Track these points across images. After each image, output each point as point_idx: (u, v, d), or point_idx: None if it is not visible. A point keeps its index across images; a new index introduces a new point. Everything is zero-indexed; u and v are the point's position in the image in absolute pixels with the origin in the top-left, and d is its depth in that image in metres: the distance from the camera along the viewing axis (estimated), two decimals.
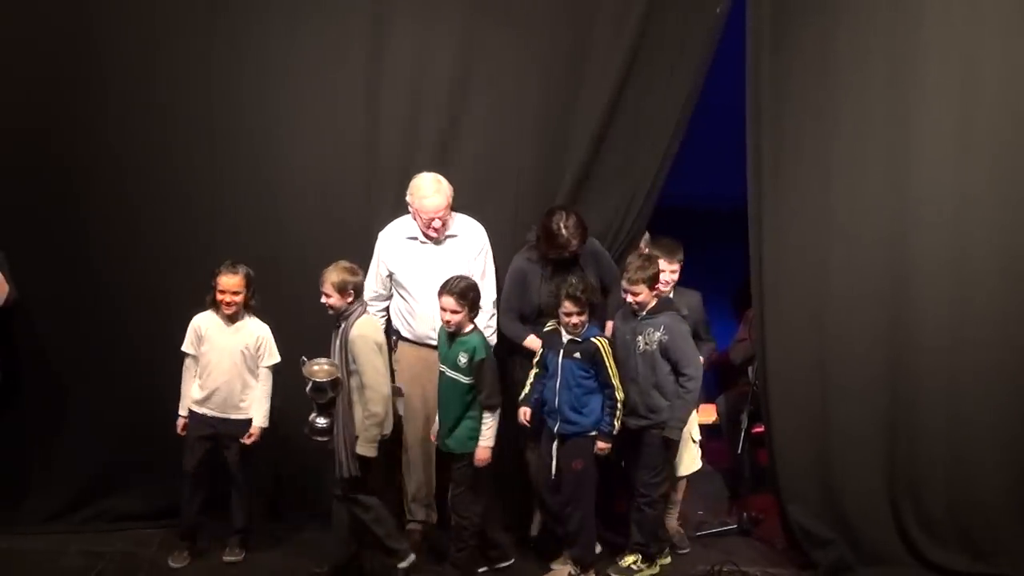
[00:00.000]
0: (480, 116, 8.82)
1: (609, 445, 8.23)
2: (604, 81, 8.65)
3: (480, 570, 8.48)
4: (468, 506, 8.27)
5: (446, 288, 8.08)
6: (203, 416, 8.47)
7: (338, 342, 8.22)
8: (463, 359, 8.13)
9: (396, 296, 8.57)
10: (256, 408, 8.49)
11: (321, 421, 8.32)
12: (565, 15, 8.69)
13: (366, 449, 8.21)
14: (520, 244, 8.65)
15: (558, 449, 8.30)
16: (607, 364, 8.17)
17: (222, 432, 8.48)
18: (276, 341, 8.50)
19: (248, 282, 8.41)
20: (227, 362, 8.45)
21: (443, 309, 8.12)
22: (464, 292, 8.09)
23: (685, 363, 8.19)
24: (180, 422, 8.51)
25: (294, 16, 8.75)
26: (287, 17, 8.76)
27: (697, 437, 8.66)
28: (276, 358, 8.51)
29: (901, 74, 8.40)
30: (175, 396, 8.58)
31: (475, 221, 8.61)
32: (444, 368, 8.25)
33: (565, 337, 8.25)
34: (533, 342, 8.42)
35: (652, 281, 8.19)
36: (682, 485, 8.74)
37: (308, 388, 8.26)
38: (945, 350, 8.45)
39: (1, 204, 8.86)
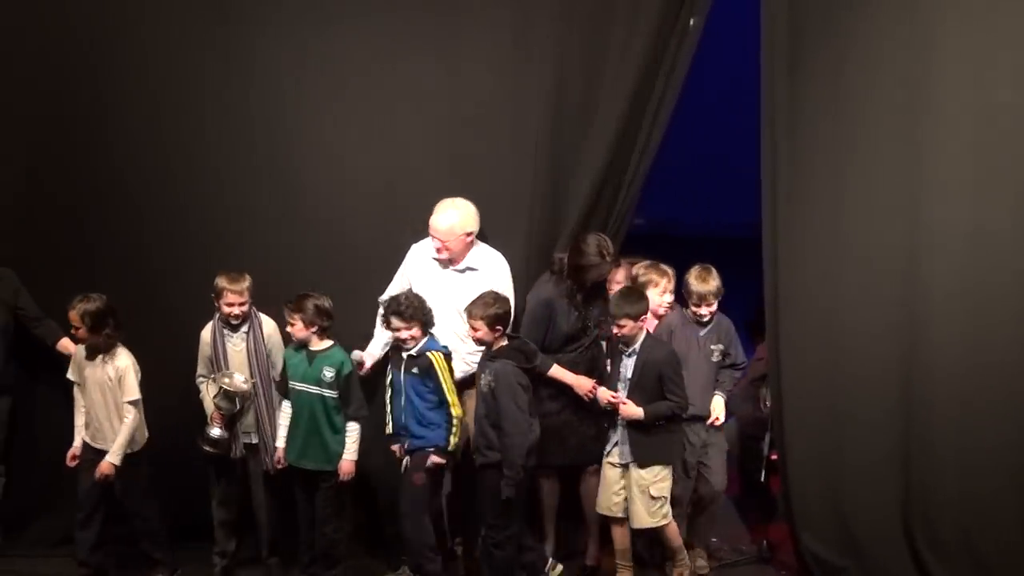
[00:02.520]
0: (483, 141, 8.96)
1: (443, 461, 8.32)
2: (608, 103, 8.80)
3: None
4: (334, 521, 8.49)
5: (289, 301, 8.33)
6: (88, 445, 8.54)
7: (241, 346, 8.50)
8: (328, 374, 8.33)
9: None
10: (114, 443, 8.48)
11: (217, 432, 8.52)
12: (574, 46, 8.86)
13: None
14: (533, 267, 8.78)
15: (406, 464, 8.41)
16: (441, 379, 8.28)
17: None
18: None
19: (102, 313, 8.42)
20: (96, 393, 8.51)
21: (289, 323, 8.38)
22: (306, 306, 8.30)
23: (502, 417, 8.25)
24: (70, 451, 8.57)
25: (314, 28, 8.94)
26: (308, 29, 8.95)
27: (657, 494, 8.43)
28: (133, 395, 8.47)
29: (915, 99, 8.47)
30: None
31: (499, 256, 8.72)
32: (303, 386, 8.43)
33: (404, 354, 8.39)
34: (558, 371, 8.47)
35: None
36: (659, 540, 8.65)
37: (216, 398, 8.47)
38: (959, 377, 8.49)
39: (18, 215, 9.08)
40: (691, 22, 8.69)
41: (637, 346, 8.36)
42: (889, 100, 8.51)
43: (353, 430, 8.35)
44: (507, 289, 8.67)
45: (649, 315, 8.54)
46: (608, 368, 8.57)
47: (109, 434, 8.46)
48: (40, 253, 9.12)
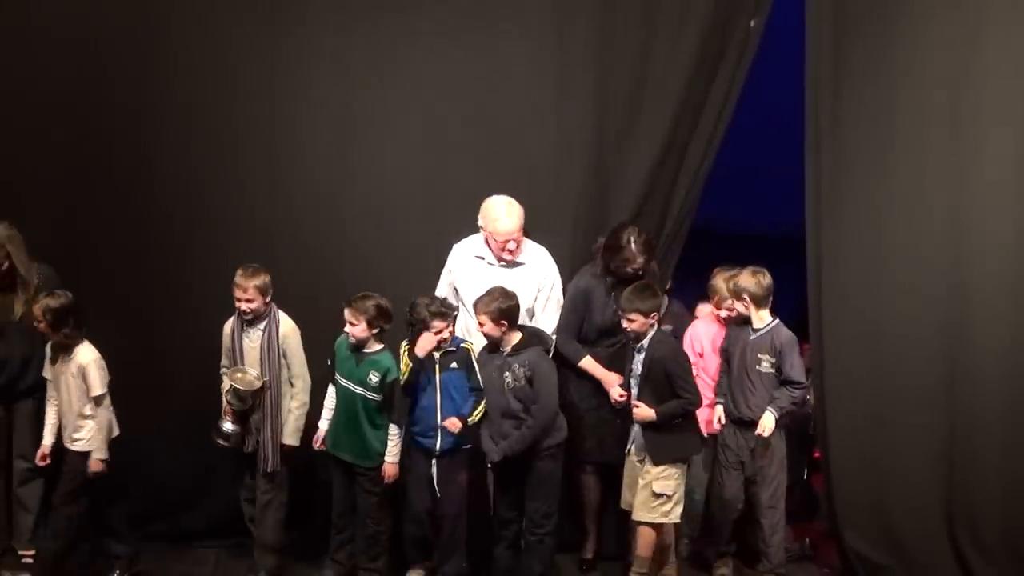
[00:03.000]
0: (535, 136, 9.02)
1: (459, 424, 8.31)
2: (660, 103, 8.86)
3: None
4: (376, 514, 8.52)
5: (349, 301, 8.31)
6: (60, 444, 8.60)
7: (257, 342, 8.48)
8: (374, 378, 8.36)
9: (461, 309, 8.68)
10: (92, 441, 8.48)
11: (229, 426, 8.58)
12: (623, 44, 8.91)
13: (293, 438, 8.55)
14: (578, 266, 8.81)
15: (438, 464, 8.41)
16: (477, 367, 8.42)
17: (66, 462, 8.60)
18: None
19: (63, 311, 8.42)
20: (63, 390, 8.53)
21: (348, 323, 8.35)
22: (363, 307, 8.29)
23: (539, 399, 8.31)
24: (40, 451, 8.60)
25: (354, 34, 9.00)
26: (343, 36, 9.01)
27: (659, 491, 8.35)
28: (97, 390, 8.47)
29: (959, 97, 8.52)
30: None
31: (545, 251, 8.77)
32: (347, 383, 8.46)
33: (436, 353, 8.37)
34: (589, 363, 8.54)
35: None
36: (646, 538, 8.48)
37: (228, 394, 8.51)
38: (1004, 376, 8.53)
39: (63, 208, 9.12)
40: (752, 23, 8.76)
41: (645, 342, 8.34)
42: (933, 100, 8.54)
43: (395, 434, 8.39)
44: (556, 281, 8.77)
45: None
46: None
47: (76, 431, 8.48)
48: (78, 252, 9.15)
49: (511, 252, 8.59)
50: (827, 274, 8.75)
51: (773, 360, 8.48)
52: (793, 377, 8.46)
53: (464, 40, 9.01)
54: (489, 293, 8.33)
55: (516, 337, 8.33)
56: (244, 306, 8.50)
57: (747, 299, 8.48)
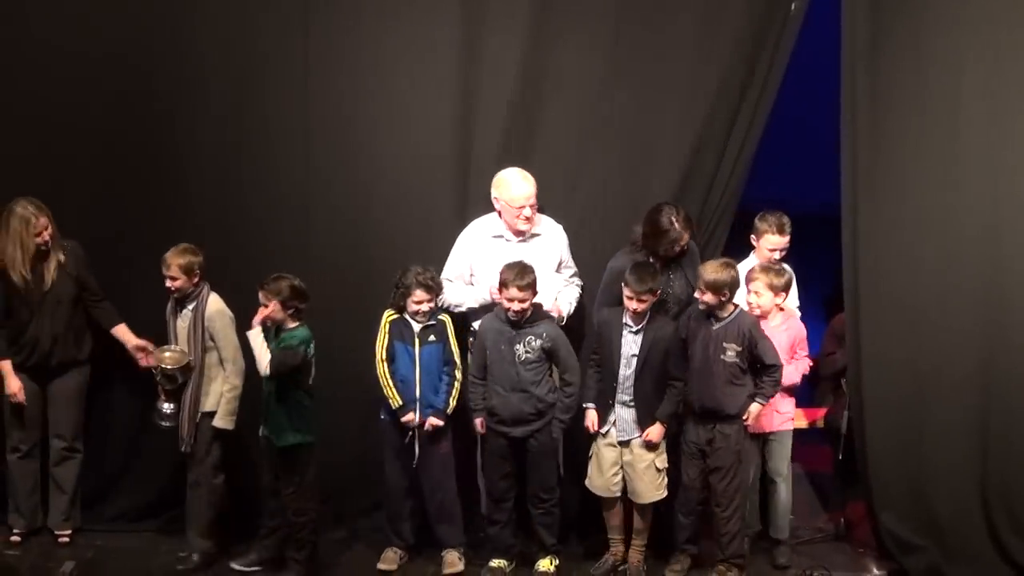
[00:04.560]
0: (568, 124, 9.10)
1: (441, 422, 8.56)
2: (695, 92, 8.91)
3: None
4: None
5: (260, 284, 8.42)
6: None
7: (187, 322, 8.67)
8: None
9: (481, 289, 8.84)
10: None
11: (167, 407, 8.73)
12: (653, 20, 8.94)
13: (226, 422, 8.69)
14: (607, 245, 8.91)
15: (420, 437, 8.58)
16: (452, 339, 8.64)
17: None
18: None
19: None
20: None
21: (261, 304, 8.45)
22: (276, 288, 8.37)
23: (568, 370, 8.54)
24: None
25: (388, 22, 9.09)
26: (380, 23, 9.09)
27: (661, 466, 8.62)
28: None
29: (994, 79, 8.53)
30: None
31: (555, 222, 8.92)
32: None
33: (416, 326, 8.57)
34: None
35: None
36: (647, 513, 8.72)
37: (159, 376, 8.67)
38: None
39: (102, 202, 9.26)
40: (792, 6, 8.74)
41: (644, 323, 8.46)
42: (967, 81, 8.55)
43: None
44: (567, 250, 8.93)
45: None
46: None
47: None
48: (115, 245, 9.29)
49: (528, 219, 8.72)
50: (863, 255, 8.77)
51: (740, 349, 8.45)
52: (768, 361, 8.46)
53: (504, 22, 9.04)
54: (514, 268, 8.46)
55: (531, 310, 8.55)
56: (168, 283, 8.66)
57: (728, 292, 8.41)
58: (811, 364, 9.02)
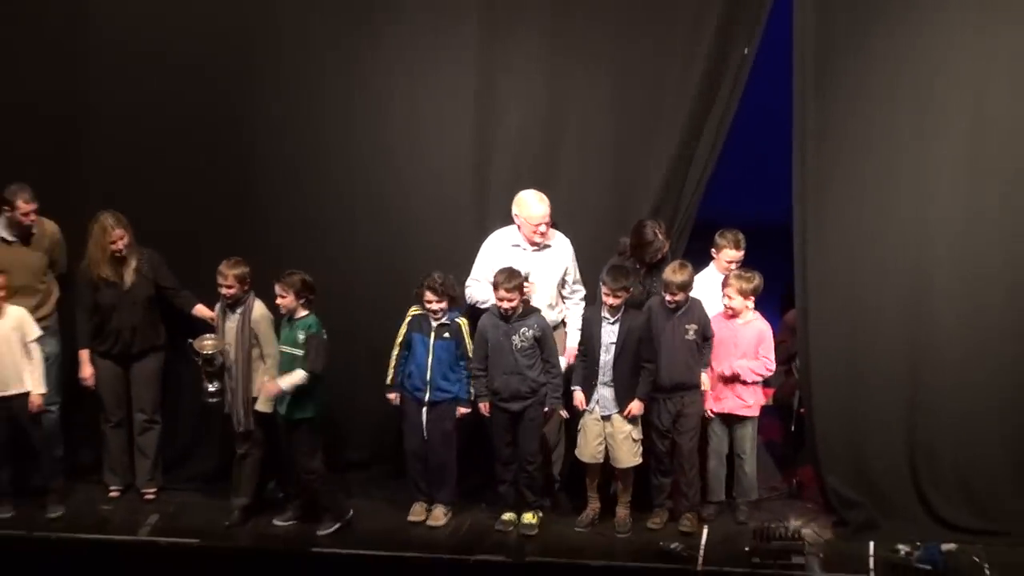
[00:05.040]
0: (574, 145, 9.95)
1: (468, 410, 9.54)
2: (676, 117, 9.72)
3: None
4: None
5: (277, 278, 9.32)
6: None
7: (235, 323, 9.49)
8: (302, 337, 9.37)
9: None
10: (32, 379, 9.64)
11: (212, 387, 9.56)
12: (644, 69, 9.78)
13: (265, 406, 9.54)
14: (600, 254, 9.80)
15: (428, 413, 9.56)
16: (466, 340, 9.47)
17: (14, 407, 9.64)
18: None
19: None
20: (3, 347, 9.58)
21: (278, 295, 9.32)
22: (292, 282, 9.31)
23: (552, 354, 9.44)
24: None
25: (421, 64, 10.01)
26: (414, 66, 10.02)
27: (637, 437, 9.46)
28: (37, 332, 9.65)
29: (924, 108, 9.26)
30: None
31: (562, 235, 9.76)
32: (284, 347, 9.47)
33: (433, 322, 9.47)
34: None
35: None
36: (629, 476, 9.55)
37: (200, 360, 9.46)
38: (958, 340, 9.32)
39: (182, 205, 10.20)
40: (745, 51, 9.49)
41: (620, 315, 9.30)
42: (898, 111, 9.26)
43: (299, 375, 9.37)
44: (572, 261, 9.79)
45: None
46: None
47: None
48: (189, 243, 10.22)
49: (542, 234, 9.55)
50: (811, 256, 9.42)
51: (697, 327, 9.33)
52: (707, 334, 9.45)
53: (516, 68, 9.91)
54: (504, 273, 9.31)
55: (521, 307, 9.39)
56: (224, 291, 9.47)
57: (679, 294, 9.29)
58: (770, 370, 9.66)
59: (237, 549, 9.54)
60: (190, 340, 9.58)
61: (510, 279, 9.34)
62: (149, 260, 10.00)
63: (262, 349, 9.57)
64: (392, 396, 9.66)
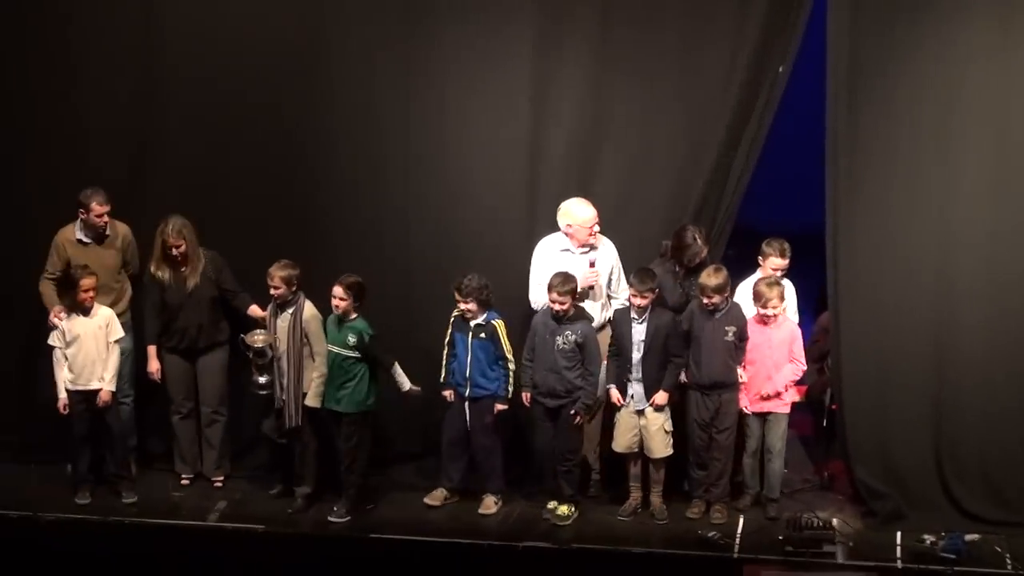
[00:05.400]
0: (619, 154, 10.28)
1: (506, 406, 9.84)
2: (715, 128, 10.08)
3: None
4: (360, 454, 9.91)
5: (339, 280, 9.62)
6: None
7: (287, 322, 9.79)
8: (352, 339, 9.71)
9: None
10: (106, 376, 10.02)
11: (262, 379, 9.89)
12: (685, 77, 10.15)
13: (315, 401, 9.85)
14: (647, 256, 10.12)
15: (470, 408, 9.92)
16: (503, 341, 9.80)
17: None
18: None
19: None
20: (89, 343, 9.99)
21: (333, 296, 9.62)
22: (351, 285, 9.62)
23: (591, 361, 9.79)
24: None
25: (473, 80, 10.36)
26: (467, 82, 10.37)
27: (669, 429, 9.83)
28: (120, 333, 10.04)
29: (948, 120, 9.58)
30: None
31: (608, 239, 10.12)
32: (333, 347, 9.81)
33: (472, 323, 9.80)
34: None
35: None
36: (661, 466, 9.91)
37: (251, 354, 9.80)
38: (981, 340, 9.62)
39: (246, 205, 10.56)
40: (780, 69, 9.84)
41: (647, 315, 9.67)
42: (925, 121, 9.57)
43: (397, 371, 9.86)
44: (618, 261, 10.09)
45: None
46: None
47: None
48: (253, 243, 10.52)
49: (594, 235, 9.86)
50: (842, 260, 9.70)
51: (736, 329, 9.67)
52: (744, 336, 9.71)
53: (565, 83, 10.24)
54: (559, 277, 9.63)
55: (572, 310, 9.72)
56: (272, 291, 9.77)
57: (715, 297, 9.57)
58: (802, 371, 9.96)
59: (300, 535, 9.92)
60: (241, 335, 9.92)
61: (564, 283, 9.68)
62: (212, 262, 10.33)
63: (312, 348, 9.86)
64: (447, 393, 10.03)
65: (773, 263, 9.97)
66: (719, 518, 9.88)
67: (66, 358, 10.11)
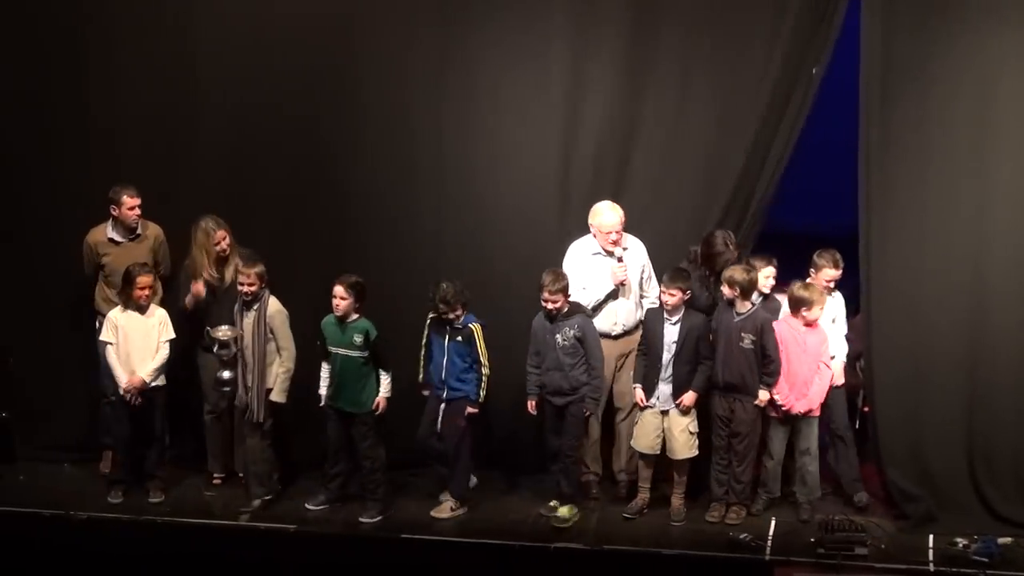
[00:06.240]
0: (650, 155, 10.35)
1: (476, 410, 9.88)
2: (744, 130, 10.17)
3: None
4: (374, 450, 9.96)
5: (339, 279, 9.64)
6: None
7: (250, 318, 9.85)
8: (358, 339, 9.77)
9: (588, 295, 10.03)
10: (150, 369, 10.09)
11: (226, 374, 9.93)
12: (717, 78, 10.26)
13: (280, 396, 9.94)
14: (675, 256, 10.17)
15: (444, 409, 9.93)
16: (479, 345, 9.81)
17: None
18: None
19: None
20: (139, 340, 10.08)
21: (333, 296, 9.65)
22: (352, 284, 9.67)
23: (593, 357, 9.84)
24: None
25: (505, 90, 10.48)
26: (497, 91, 10.49)
27: (694, 430, 9.85)
28: (172, 334, 10.14)
29: (980, 122, 9.63)
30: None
31: (637, 239, 10.21)
32: (340, 350, 9.85)
33: (447, 325, 9.82)
34: None
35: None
36: (684, 467, 9.93)
37: (215, 348, 9.83)
38: (1015, 343, 9.62)
39: (282, 210, 10.68)
40: (814, 71, 9.91)
41: (680, 316, 9.73)
42: (959, 121, 9.63)
43: (385, 378, 9.88)
44: (648, 262, 10.20)
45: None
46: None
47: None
48: (293, 250, 10.65)
49: (615, 242, 9.94)
50: (875, 262, 9.76)
51: (754, 338, 9.67)
52: (768, 352, 9.70)
53: (591, 75, 10.30)
54: (549, 275, 9.68)
55: (566, 307, 9.76)
56: (246, 288, 9.82)
57: (737, 290, 9.63)
58: (832, 375, 9.92)
59: (330, 535, 9.97)
60: (207, 327, 9.98)
61: (555, 281, 9.74)
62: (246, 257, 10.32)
63: (278, 343, 9.93)
64: (426, 392, 10.11)
65: (827, 275, 9.98)
66: (734, 518, 9.91)
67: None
